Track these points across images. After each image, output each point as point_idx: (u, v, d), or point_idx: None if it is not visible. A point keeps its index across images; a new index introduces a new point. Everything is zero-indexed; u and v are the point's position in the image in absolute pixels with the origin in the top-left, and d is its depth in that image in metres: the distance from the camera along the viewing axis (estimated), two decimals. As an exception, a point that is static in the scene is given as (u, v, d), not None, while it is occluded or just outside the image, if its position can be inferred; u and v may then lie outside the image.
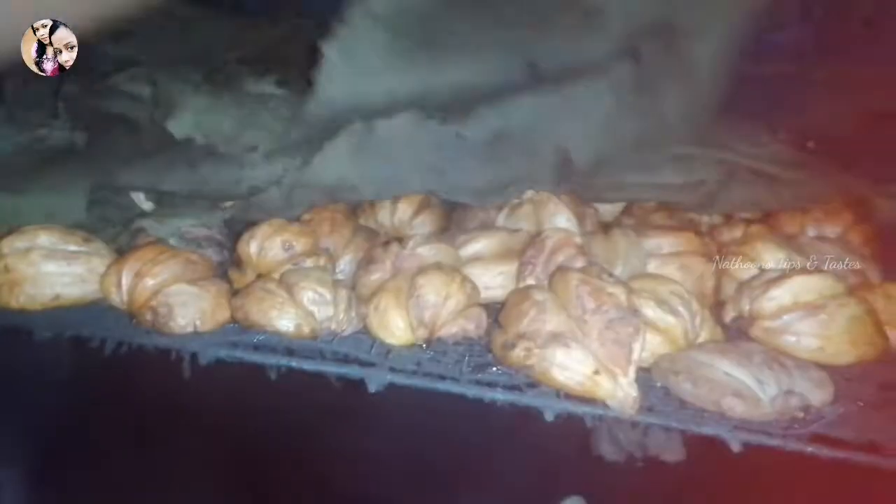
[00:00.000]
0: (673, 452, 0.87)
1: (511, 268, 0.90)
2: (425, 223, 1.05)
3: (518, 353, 0.71)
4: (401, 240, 0.90)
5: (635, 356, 0.69)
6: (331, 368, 0.74)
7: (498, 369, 0.75)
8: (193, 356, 0.75)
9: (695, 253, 0.93)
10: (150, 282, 0.77)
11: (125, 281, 0.78)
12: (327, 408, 0.76)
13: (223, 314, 0.79)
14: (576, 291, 0.73)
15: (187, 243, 0.89)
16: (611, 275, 0.77)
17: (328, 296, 0.77)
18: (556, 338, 0.71)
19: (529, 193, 1.02)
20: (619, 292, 0.72)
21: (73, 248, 0.82)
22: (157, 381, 0.77)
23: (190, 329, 0.77)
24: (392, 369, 0.74)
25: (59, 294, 0.80)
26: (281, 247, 0.83)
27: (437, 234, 1.02)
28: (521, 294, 0.77)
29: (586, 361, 0.69)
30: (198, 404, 0.78)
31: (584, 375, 0.69)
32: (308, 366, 0.74)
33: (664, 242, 0.94)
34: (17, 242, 0.80)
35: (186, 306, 0.77)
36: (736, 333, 0.84)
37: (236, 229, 0.98)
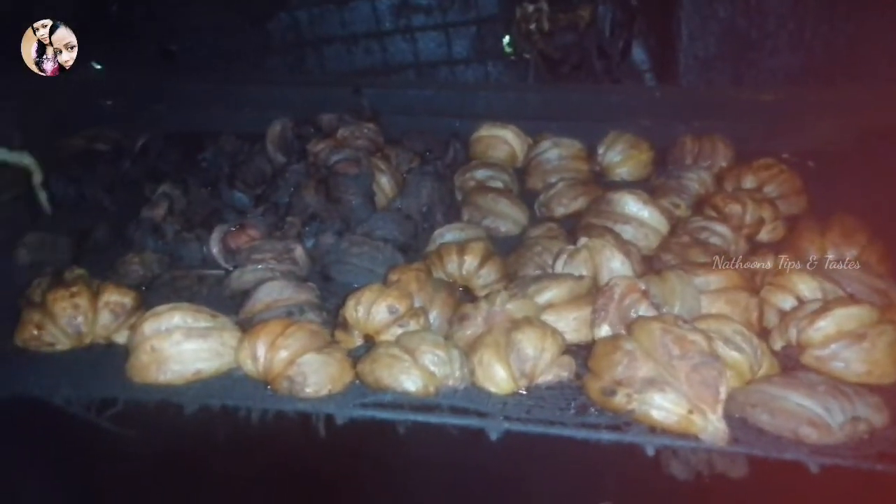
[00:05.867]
0: (737, 469, 0.99)
1: (582, 313, 1.01)
2: (490, 272, 1.16)
3: (619, 399, 0.83)
4: (488, 295, 1.01)
5: (722, 395, 0.80)
6: (452, 420, 0.84)
7: (595, 410, 0.86)
8: (329, 417, 0.85)
9: (738, 287, 1.06)
10: (283, 353, 0.87)
11: (260, 353, 0.88)
12: (447, 458, 0.86)
13: (348, 376, 0.90)
14: (661, 340, 0.84)
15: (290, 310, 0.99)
16: (685, 321, 0.88)
17: (445, 356, 0.87)
18: (652, 383, 0.82)
19: (583, 240, 1.14)
20: (700, 339, 0.84)
21: (203, 324, 0.92)
22: (297, 442, 0.86)
23: (324, 393, 0.87)
24: (507, 417, 0.85)
25: (200, 368, 0.89)
26: (387, 311, 0.94)
27: (503, 281, 1.14)
28: (610, 344, 0.88)
29: (680, 402, 0.81)
30: (333, 462, 0.87)
31: (680, 415, 0.81)
32: (433, 419, 0.84)
33: (711, 280, 1.06)
34: (156, 324, 0.90)
35: (318, 373, 0.87)
36: (787, 361, 0.96)
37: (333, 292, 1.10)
